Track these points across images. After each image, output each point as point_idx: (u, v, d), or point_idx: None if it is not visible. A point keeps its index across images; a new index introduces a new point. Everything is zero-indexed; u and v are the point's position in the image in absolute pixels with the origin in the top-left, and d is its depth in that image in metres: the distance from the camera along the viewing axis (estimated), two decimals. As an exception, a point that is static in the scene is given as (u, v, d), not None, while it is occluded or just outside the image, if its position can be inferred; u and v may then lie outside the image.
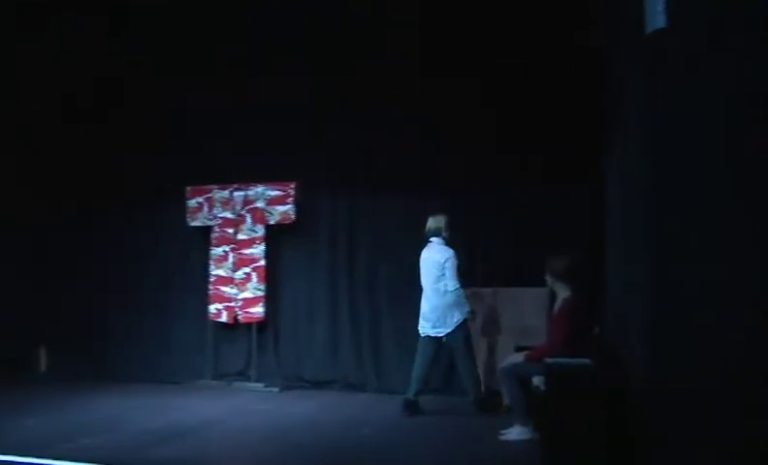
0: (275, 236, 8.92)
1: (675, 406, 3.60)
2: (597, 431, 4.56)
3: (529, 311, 7.40)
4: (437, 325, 7.18)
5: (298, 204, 8.74)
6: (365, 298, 8.64)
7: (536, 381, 5.72)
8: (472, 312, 7.26)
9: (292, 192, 8.74)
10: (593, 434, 4.57)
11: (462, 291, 7.16)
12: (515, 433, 6.07)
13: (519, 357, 6.21)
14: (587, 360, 4.91)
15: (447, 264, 7.15)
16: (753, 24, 3.18)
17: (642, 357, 4.34)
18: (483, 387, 7.28)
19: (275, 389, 8.56)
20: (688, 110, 3.57)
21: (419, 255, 7.46)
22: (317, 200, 8.85)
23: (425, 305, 7.28)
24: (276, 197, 8.80)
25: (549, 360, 5.12)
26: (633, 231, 4.82)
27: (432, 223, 7.34)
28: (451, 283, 7.13)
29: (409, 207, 8.36)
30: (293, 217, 8.76)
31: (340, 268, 8.77)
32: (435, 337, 7.21)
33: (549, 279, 6.27)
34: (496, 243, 8.05)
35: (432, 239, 7.33)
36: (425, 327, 7.26)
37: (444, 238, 7.30)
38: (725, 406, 3.22)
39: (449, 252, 7.21)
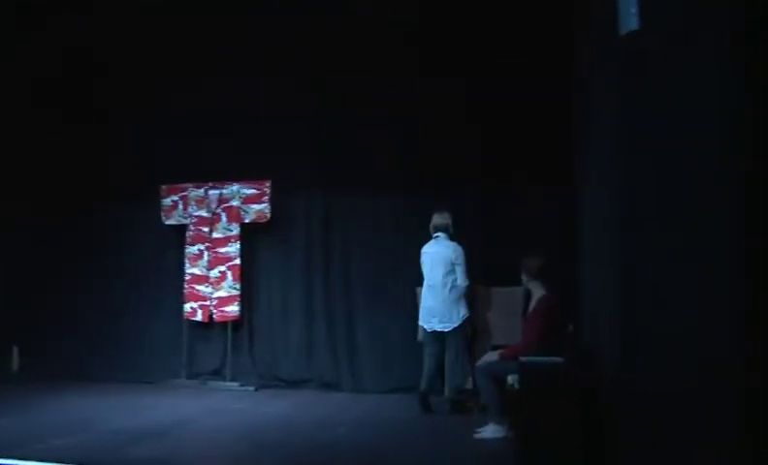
0: (251, 235, 8.88)
1: (647, 406, 3.63)
2: (571, 429, 4.60)
3: (505, 310, 7.43)
4: (444, 319, 7.21)
5: (273, 203, 8.71)
6: (340, 298, 8.63)
7: (511, 379, 5.75)
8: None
9: (267, 190, 8.71)
10: (567, 432, 4.61)
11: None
12: (489, 431, 6.09)
13: (494, 356, 6.25)
14: (561, 359, 4.96)
15: (459, 260, 7.22)
16: (727, 25, 3.21)
17: (614, 357, 4.38)
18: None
19: (251, 388, 8.53)
20: (660, 112, 3.60)
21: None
22: (293, 198, 8.82)
23: (431, 300, 7.28)
24: (252, 195, 8.77)
25: (523, 359, 5.16)
26: (605, 231, 4.86)
27: (438, 219, 7.39)
28: (462, 278, 7.20)
29: (386, 207, 8.40)
30: (268, 216, 8.73)
31: (316, 268, 8.75)
32: (442, 332, 7.24)
33: (524, 278, 6.32)
34: (473, 242, 8.06)
35: (438, 235, 7.37)
36: (432, 322, 7.27)
37: (450, 234, 7.35)
38: (697, 406, 3.25)
39: (460, 248, 7.27)
